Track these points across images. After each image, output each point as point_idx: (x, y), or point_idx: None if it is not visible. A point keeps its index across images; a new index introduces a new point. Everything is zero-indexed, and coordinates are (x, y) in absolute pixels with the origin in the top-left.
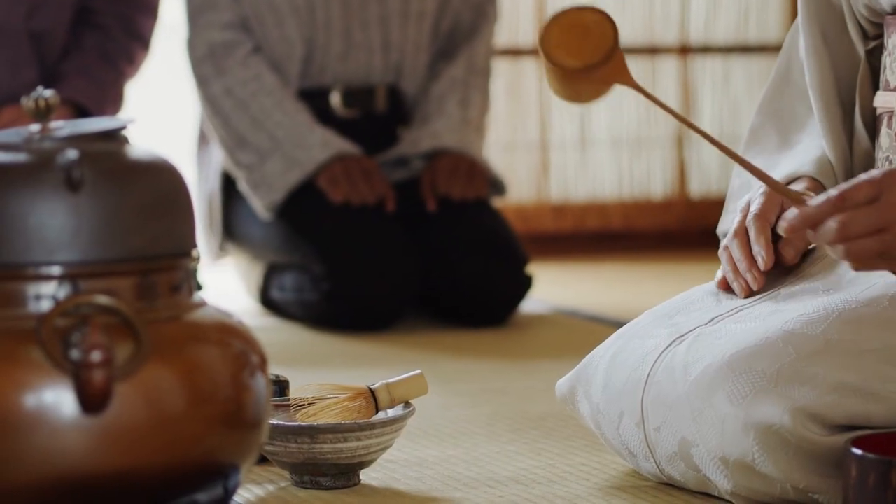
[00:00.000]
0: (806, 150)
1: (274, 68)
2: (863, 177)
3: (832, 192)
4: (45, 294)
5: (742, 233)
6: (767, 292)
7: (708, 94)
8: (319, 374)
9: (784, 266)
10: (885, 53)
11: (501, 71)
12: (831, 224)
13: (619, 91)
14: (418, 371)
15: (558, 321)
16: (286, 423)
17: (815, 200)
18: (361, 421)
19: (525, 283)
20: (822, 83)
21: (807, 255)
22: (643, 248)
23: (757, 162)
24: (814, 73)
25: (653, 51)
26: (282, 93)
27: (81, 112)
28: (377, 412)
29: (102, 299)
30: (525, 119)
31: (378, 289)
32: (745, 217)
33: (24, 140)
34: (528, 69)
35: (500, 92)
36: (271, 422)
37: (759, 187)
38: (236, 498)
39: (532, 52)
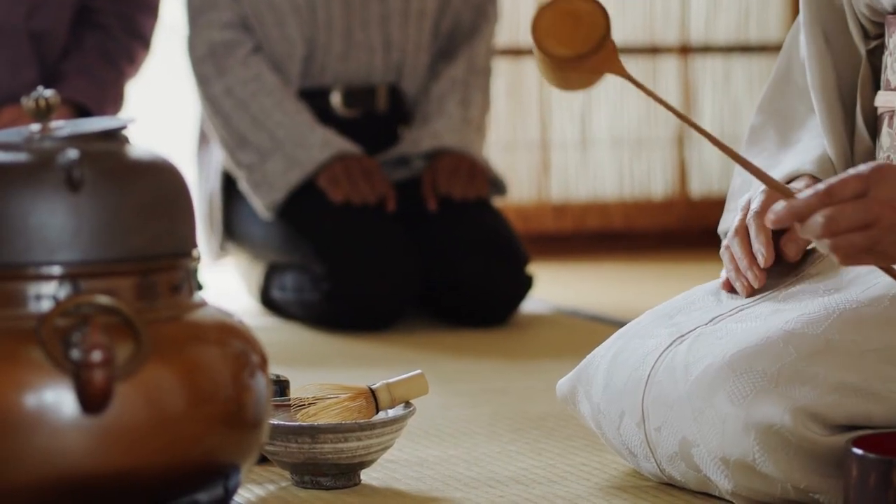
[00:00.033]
0: (807, 149)
1: (274, 68)
2: (851, 171)
3: (820, 185)
4: (46, 294)
5: (742, 231)
6: (768, 292)
7: (709, 93)
8: (320, 373)
9: (786, 263)
10: (886, 53)
11: (502, 71)
12: (818, 218)
13: (619, 91)
14: (419, 371)
15: (559, 321)
16: (287, 423)
17: (803, 194)
18: (362, 421)
19: (526, 283)
20: (823, 82)
21: (807, 255)
22: (644, 248)
23: (758, 161)
24: (815, 72)
25: (653, 50)
26: (282, 92)
27: (82, 112)
28: (378, 412)
29: (103, 299)
30: (526, 119)
31: (378, 288)
32: (745, 215)
33: (25, 140)
34: (529, 69)
35: (500, 92)
36: (272, 422)
37: (759, 186)
38: (237, 498)
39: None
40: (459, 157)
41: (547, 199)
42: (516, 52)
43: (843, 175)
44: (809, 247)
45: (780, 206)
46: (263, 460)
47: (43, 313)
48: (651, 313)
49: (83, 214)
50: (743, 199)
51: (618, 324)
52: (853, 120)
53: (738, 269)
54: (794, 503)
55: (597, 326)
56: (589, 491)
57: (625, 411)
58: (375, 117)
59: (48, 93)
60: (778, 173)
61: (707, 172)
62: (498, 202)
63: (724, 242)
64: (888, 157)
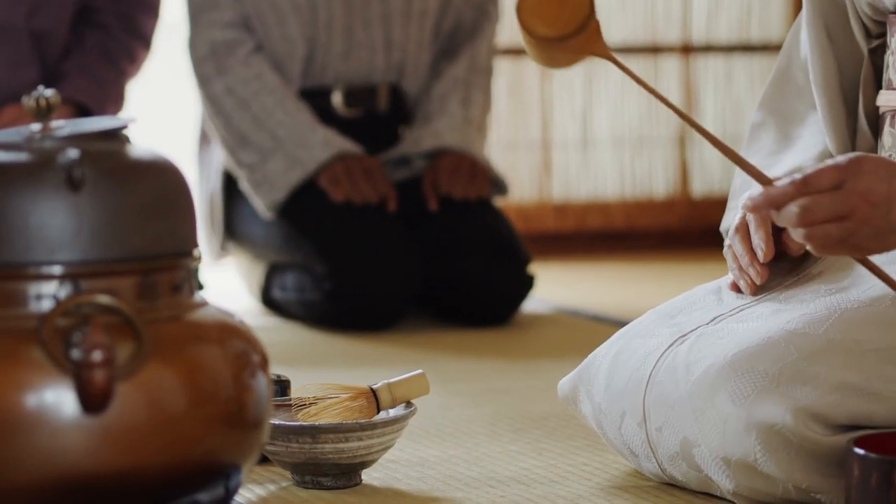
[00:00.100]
0: (807, 146)
1: (275, 67)
2: (828, 162)
3: (797, 175)
4: (46, 293)
5: (743, 229)
6: (769, 291)
7: (710, 93)
8: (321, 373)
9: (788, 263)
10: (888, 52)
11: (503, 70)
12: (793, 208)
13: (620, 90)
14: (420, 371)
15: (560, 321)
16: (287, 423)
17: (781, 182)
18: (363, 421)
19: (527, 283)
20: (826, 81)
21: (809, 254)
22: (645, 248)
23: (758, 158)
24: (818, 69)
25: (655, 50)
26: (283, 92)
27: (82, 111)
28: (378, 412)
29: (103, 299)
30: (527, 118)
31: (380, 288)
32: (745, 213)
33: (25, 139)
34: (530, 68)
35: (501, 91)
36: (273, 421)
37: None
38: (237, 498)
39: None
40: (460, 157)
41: (548, 198)
42: (518, 52)
43: (820, 165)
44: None
45: (756, 192)
46: (264, 460)
47: (43, 313)
48: (652, 313)
49: (84, 214)
50: (744, 196)
51: (619, 324)
52: (855, 118)
53: (740, 268)
54: (795, 503)
55: (598, 326)
56: (590, 491)
57: (626, 411)
58: (376, 117)
59: (49, 92)
60: (779, 170)
61: (708, 172)
62: (499, 202)
63: (727, 241)
64: (890, 156)
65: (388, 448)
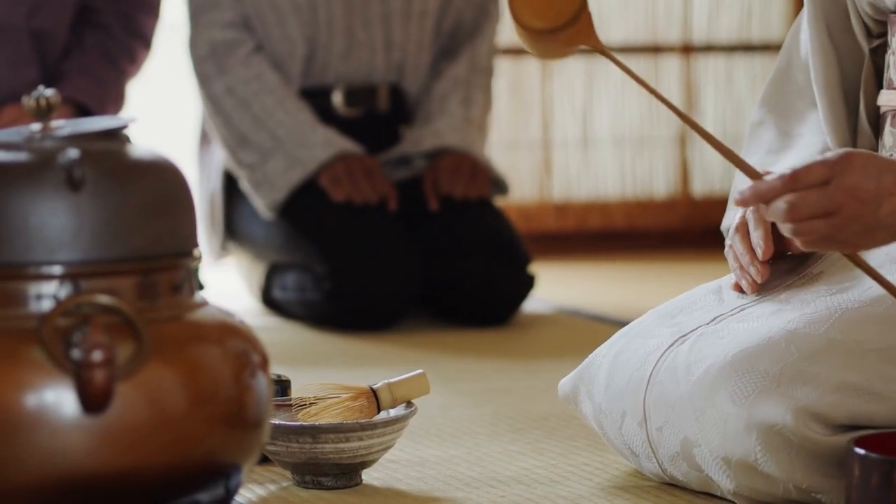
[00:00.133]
0: (808, 144)
1: (276, 67)
2: (818, 158)
3: (786, 170)
4: (47, 293)
5: (743, 227)
6: (770, 291)
7: (711, 93)
8: (321, 373)
9: (788, 263)
10: (889, 52)
11: (504, 70)
12: (781, 203)
13: (621, 90)
14: (420, 371)
15: (561, 321)
16: (288, 423)
17: (770, 177)
18: (363, 421)
19: (527, 283)
20: (827, 80)
21: (810, 254)
22: (646, 248)
23: (758, 156)
24: (819, 69)
25: (655, 50)
26: (283, 92)
27: (83, 111)
28: (379, 412)
29: (104, 299)
30: (527, 118)
31: (380, 288)
32: (745, 212)
33: (26, 139)
34: (531, 68)
35: (502, 91)
36: (273, 421)
37: None
38: (238, 498)
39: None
40: (461, 157)
41: (549, 198)
42: (518, 51)
43: (809, 161)
44: None
45: (746, 187)
46: (264, 460)
47: (44, 313)
48: (653, 313)
49: (84, 214)
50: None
51: (619, 323)
52: (856, 117)
53: (742, 267)
54: (795, 503)
55: (598, 326)
56: (591, 491)
57: (626, 411)
58: (377, 117)
59: (49, 92)
60: (780, 169)
61: (709, 172)
62: (499, 202)
63: (728, 241)
64: (891, 155)
65: (388, 448)
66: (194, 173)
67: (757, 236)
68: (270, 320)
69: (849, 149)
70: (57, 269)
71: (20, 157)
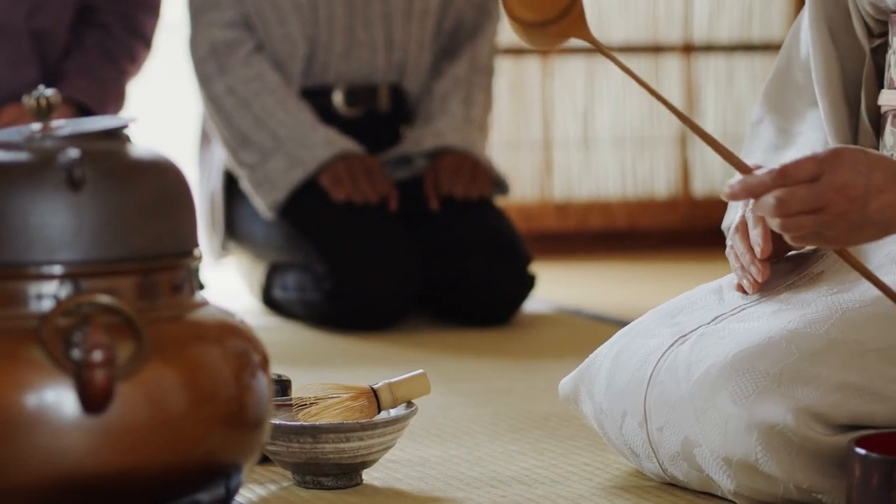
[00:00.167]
0: (808, 142)
1: (276, 67)
2: (808, 154)
3: (776, 165)
4: (47, 293)
5: (743, 227)
6: (771, 291)
7: (711, 93)
8: (322, 373)
9: (789, 263)
10: (890, 52)
11: (505, 69)
12: (770, 198)
13: (622, 90)
14: (421, 370)
15: (561, 320)
16: (288, 423)
17: (760, 171)
18: (364, 421)
19: (528, 283)
20: (828, 79)
21: (810, 254)
22: (646, 248)
23: (759, 154)
24: (820, 68)
25: (656, 49)
26: (284, 91)
27: (83, 111)
28: (379, 412)
29: (104, 299)
30: (528, 118)
31: (380, 288)
32: (744, 211)
33: (26, 139)
34: (532, 67)
35: (503, 90)
36: (273, 421)
37: None
38: (238, 498)
39: (535, 51)
40: (462, 157)
41: (549, 198)
42: (519, 51)
43: (800, 157)
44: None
45: (735, 181)
46: (265, 460)
47: (44, 313)
48: (653, 313)
49: (84, 214)
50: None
51: (620, 323)
52: (857, 116)
53: (743, 267)
54: (796, 503)
55: (599, 326)
56: (591, 491)
57: (627, 411)
58: (377, 116)
59: (49, 92)
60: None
61: (710, 171)
62: (500, 201)
63: (728, 241)
64: (892, 155)
65: (388, 448)
66: (195, 173)
67: (756, 234)
68: (271, 320)
69: (839, 145)
70: (57, 269)
71: (20, 156)
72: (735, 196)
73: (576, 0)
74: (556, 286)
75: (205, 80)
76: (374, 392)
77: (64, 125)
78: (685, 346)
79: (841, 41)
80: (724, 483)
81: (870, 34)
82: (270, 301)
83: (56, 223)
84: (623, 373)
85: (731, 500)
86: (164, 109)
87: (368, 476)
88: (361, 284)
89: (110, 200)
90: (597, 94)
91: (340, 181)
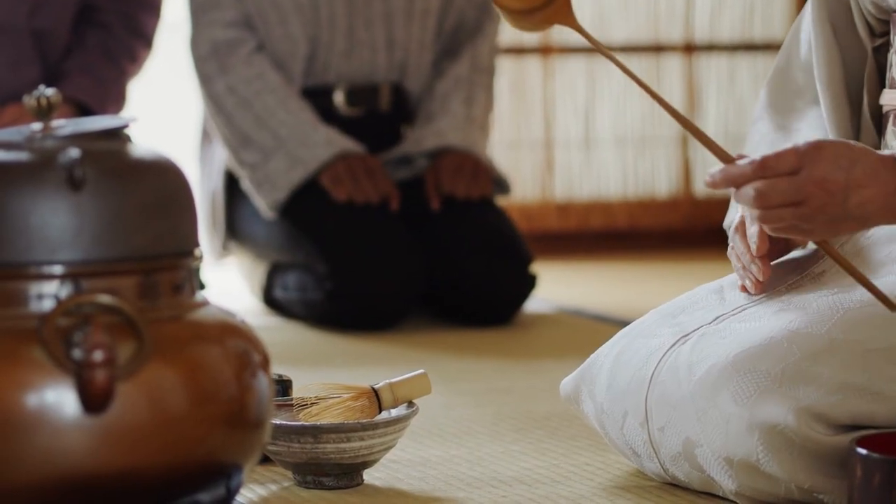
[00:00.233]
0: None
1: (277, 66)
2: (789, 146)
3: (757, 156)
4: (47, 293)
5: (742, 227)
6: (772, 291)
7: (713, 92)
8: (322, 373)
9: (790, 263)
10: (892, 51)
11: (506, 69)
12: (749, 190)
13: (623, 90)
14: (422, 370)
15: (562, 320)
16: (289, 423)
17: (742, 162)
18: (364, 421)
19: (529, 283)
20: (830, 78)
21: (812, 254)
22: (648, 248)
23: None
24: (823, 67)
25: (657, 49)
26: (285, 91)
27: (84, 110)
28: (380, 412)
29: (104, 298)
30: (529, 117)
31: (382, 288)
32: (742, 209)
33: (26, 139)
34: (533, 67)
35: (504, 90)
36: (274, 421)
37: None
38: (239, 498)
39: (536, 51)
40: (463, 156)
41: (551, 198)
42: (520, 51)
43: (781, 149)
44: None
45: (716, 169)
46: (266, 460)
47: (44, 313)
48: (654, 313)
49: (85, 214)
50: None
51: (621, 323)
52: (859, 115)
53: (744, 267)
54: (798, 503)
55: (600, 326)
56: (592, 491)
57: (628, 411)
58: (378, 116)
59: (50, 91)
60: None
61: None
62: (501, 201)
63: (730, 242)
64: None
65: (389, 448)
66: (195, 173)
67: (752, 232)
68: (272, 320)
69: (822, 139)
70: (58, 269)
71: (21, 156)
72: (716, 185)
73: None
74: (557, 286)
75: (206, 79)
76: (375, 392)
77: (64, 125)
78: (686, 346)
79: (843, 39)
80: (726, 483)
81: (872, 33)
82: (271, 301)
83: (56, 223)
84: (624, 373)
85: (732, 501)
86: (164, 109)
87: (369, 476)
88: (362, 284)
89: (111, 200)
90: (598, 94)
91: (341, 181)
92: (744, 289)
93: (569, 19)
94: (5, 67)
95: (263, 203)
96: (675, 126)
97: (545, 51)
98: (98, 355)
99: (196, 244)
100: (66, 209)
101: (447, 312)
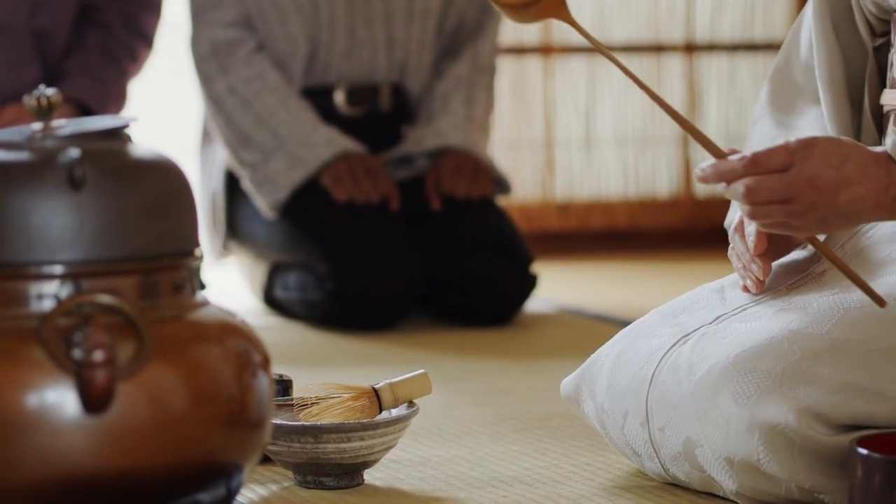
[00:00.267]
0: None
1: (277, 66)
2: (780, 143)
3: (748, 152)
4: (48, 293)
5: (741, 227)
6: (773, 291)
7: (714, 92)
8: (323, 373)
9: (791, 263)
10: (892, 51)
11: (506, 69)
12: (739, 186)
13: (624, 90)
14: (422, 370)
15: (563, 320)
16: (289, 423)
17: (733, 157)
18: (365, 421)
19: (530, 282)
20: (832, 77)
21: (812, 254)
22: (648, 247)
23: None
24: (824, 66)
25: (658, 49)
26: (285, 91)
27: (84, 110)
28: (381, 412)
29: (105, 298)
30: (530, 117)
31: (382, 288)
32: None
33: (27, 139)
34: (533, 67)
35: (504, 90)
36: (274, 421)
37: None
38: (239, 498)
39: (537, 51)
40: (463, 156)
41: (551, 198)
42: (520, 51)
43: (772, 146)
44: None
45: (707, 164)
46: (266, 460)
47: (45, 313)
48: (655, 313)
49: (85, 213)
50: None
51: (622, 323)
52: (860, 114)
53: (745, 267)
54: (798, 503)
55: (601, 326)
56: (593, 491)
57: (629, 411)
58: (379, 116)
59: (50, 91)
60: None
61: None
62: (502, 201)
63: (730, 242)
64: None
65: (390, 448)
66: (196, 173)
67: (750, 231)
68: (272, 320)
69: (814, 136)
70: (58, 269)
71: (21, 156)
72: (706, 179)
73: None
74: (557, 286)
75: (206, 79)
76: (376, 392)
77: (65, 125)
78: (687, 346)
79: (844, 39)
80: (726, 483)
81: (872, 33)
82: (272, 301)
83: (57, 223)
84: (625, 373)
85: (732, 501)
86: (165, 109)
87: (370, 476)
88: (363, 284)
89: (111, 200)
90: (598, 94)
91: (342, 181)
92: (745, 289)
93: (562, 13)
94: (5, 67)
95: (264, 203)
96: (676, 126)
97: (546, 50)
98: (98, 355)
99: (196, 244)
100: (66, 209)
101: (447, 312)
